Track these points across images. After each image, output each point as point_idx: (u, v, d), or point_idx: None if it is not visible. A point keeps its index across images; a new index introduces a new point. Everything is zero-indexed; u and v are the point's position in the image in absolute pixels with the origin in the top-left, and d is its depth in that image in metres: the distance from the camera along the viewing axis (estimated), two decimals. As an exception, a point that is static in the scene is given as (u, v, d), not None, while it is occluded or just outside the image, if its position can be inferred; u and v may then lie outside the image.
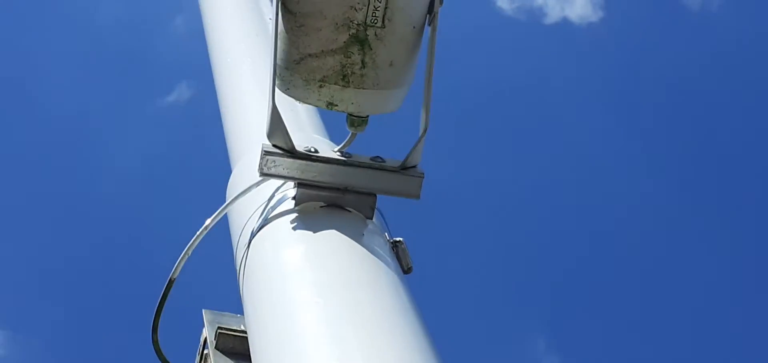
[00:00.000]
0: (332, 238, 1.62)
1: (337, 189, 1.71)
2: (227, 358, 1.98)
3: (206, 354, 2.03)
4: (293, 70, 1.68)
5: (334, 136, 1.98)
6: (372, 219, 1.72)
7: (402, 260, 1.70)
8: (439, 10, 1.70)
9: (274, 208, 1.72)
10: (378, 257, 1.61)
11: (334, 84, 1.68)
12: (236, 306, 1.92)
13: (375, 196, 1.73)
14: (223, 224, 1.89)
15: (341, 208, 1.71)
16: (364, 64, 1.66)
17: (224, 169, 2.14)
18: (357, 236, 1.63)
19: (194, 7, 2.85)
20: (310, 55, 1.66)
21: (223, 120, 2.25)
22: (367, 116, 1.75)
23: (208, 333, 2.03)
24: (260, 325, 1.53)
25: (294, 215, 1.68)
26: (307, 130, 1.97)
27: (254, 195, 1.79)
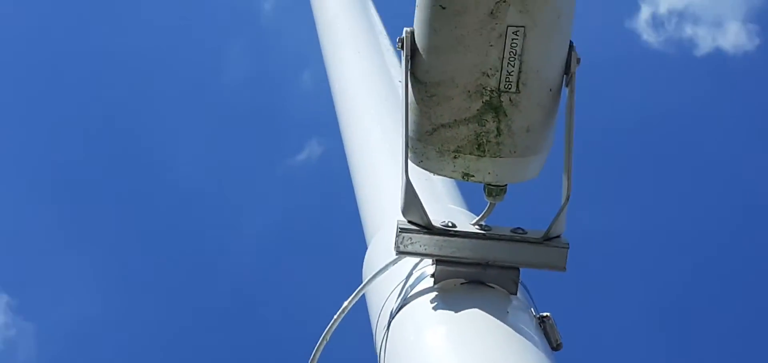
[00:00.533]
0: (475, 317, 1.55)
1: (478, 264, 1.64)
2: None
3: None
4: (426, 142, 1.62)
5: (471, 204, 1.91)
6: (516, 294, 1.64)
7: (550, 336, 1.61)
8: (577, 71, 1.62)
9: (412, 286, 1.66)
10: (524, 335, 1.53)
11: (470, 154, 1.61)
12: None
13: (518, 269, 1.65)
14: (360, 303, 1.84)
15: (483, 284, 1.64)
16: (499, 132, 1.59)
17: (356, 231, 2.09)
18: (501, 314, 1.56)
19: (320, 61, 2.85)
20: (442, 125, 1.60)
21: (355, 192, 2.21)
22: (506, 185, 1.67)
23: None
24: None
25: (434, 294, 1.61)
26: (443, 200, 1.91)
27: (391, 273, 1.74)
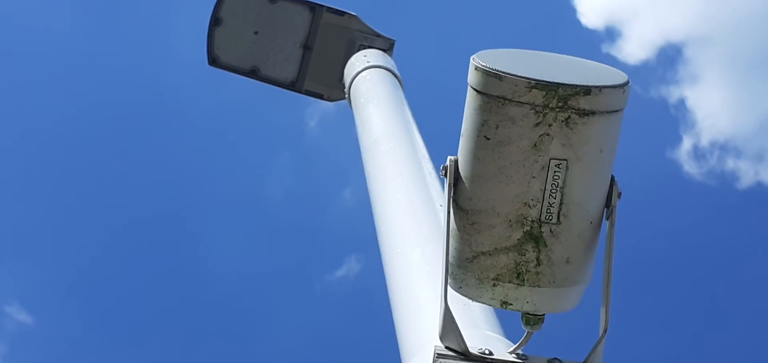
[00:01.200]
0: None
1: None
2: None
3: None
4: (466, 269, 1.64)
5: (509, 332, 1.92)
6: (551, 425, 1.64)
7: None
8: (617, 204, 1.64)
9: (448, 412, 1.66)
10: None
11: (509, 282, 1.62)
12: None
13: (554, 400, 1.65)
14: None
15: None
16: (539, 262, 1.61)
17: (392, 352, 2.09)
18: None
19: (361, 179, 2.88)
20: (483, 253, 1.62)
21: (393, 314, 2.22)
22: (544, 314, 1.68)
23: None
24: None
25: (469, 421, 1.62)
26: (481, 326, 1.92)
27: (427, 398, 1.74)
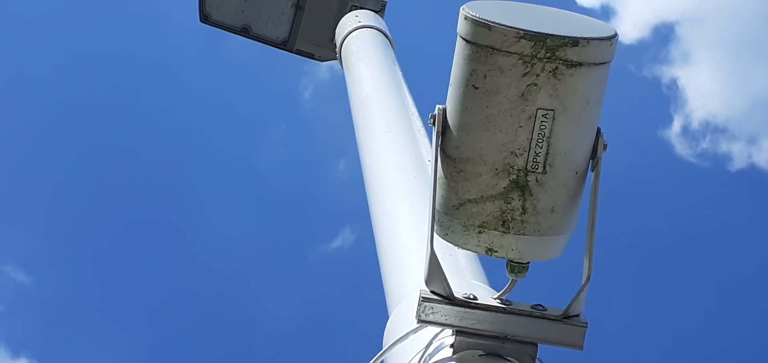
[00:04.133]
0: (492, 389, 1.58)
1: (497, 337, 1.67)
2: None
3: None
4: (452, 216, 1.66)
5: (493, 281, 1.95)
6: (533, 369, 1.67)
7: (564, 414, 1.64)
8: (603, 156, 1.67)
9: (431, 355, 1.69)
10: (539, 410, 1.55)
11: (494, 230, 1.65)
12: None
13: (536, 345, 1.68)
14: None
15: (501, 357, 1.67)
16: (524, 210, 1.63)
17: (384, 317, 2.11)
18: (517, 387, 1.58)
19: (356, 150, 2.89)
20: (469, 200, 1.64)
21: (380, 263, 2.24)
22: (528, 263, 1.71)
23: None
24: None
25: (452, 363, 1.65)
26: (466, 275, 1.95)
27: (412, 342, 1.77)
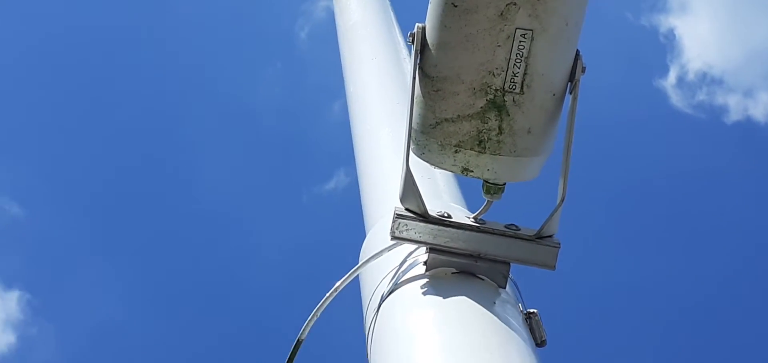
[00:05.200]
0: (462, 305, 1.59)
1: (470, 256, 1.68)
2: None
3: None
4: (429, 135, 1.66)
5: (472, 205, 1.95)
6: (505, 288, 1.67)
7: (535, 332, 1.64)
8: (581, 78, 1.66)
9: (404, 272, 1.70)
10: (510, 327, 1.57)
11: (470, 150, 1.65)
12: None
13: (509, 264, 1.68)
14: (356, 289, 1.88)
15: (473, 275, 1.67)
16: (501, 131, 1.63)
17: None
18: (488, 304, 1.59)
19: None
20: (446, 119, 1.64)
21: (360, 186, 2.25)
22: (504, 184, 1.71)
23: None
24: (386, 389, 1.50)
25: (424, 280, 1.65)
26: (443, 197, 1.95)
27: (386, 259, 1.77)
